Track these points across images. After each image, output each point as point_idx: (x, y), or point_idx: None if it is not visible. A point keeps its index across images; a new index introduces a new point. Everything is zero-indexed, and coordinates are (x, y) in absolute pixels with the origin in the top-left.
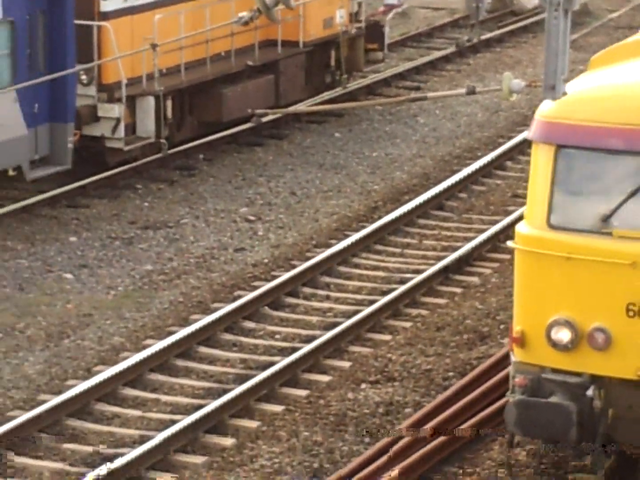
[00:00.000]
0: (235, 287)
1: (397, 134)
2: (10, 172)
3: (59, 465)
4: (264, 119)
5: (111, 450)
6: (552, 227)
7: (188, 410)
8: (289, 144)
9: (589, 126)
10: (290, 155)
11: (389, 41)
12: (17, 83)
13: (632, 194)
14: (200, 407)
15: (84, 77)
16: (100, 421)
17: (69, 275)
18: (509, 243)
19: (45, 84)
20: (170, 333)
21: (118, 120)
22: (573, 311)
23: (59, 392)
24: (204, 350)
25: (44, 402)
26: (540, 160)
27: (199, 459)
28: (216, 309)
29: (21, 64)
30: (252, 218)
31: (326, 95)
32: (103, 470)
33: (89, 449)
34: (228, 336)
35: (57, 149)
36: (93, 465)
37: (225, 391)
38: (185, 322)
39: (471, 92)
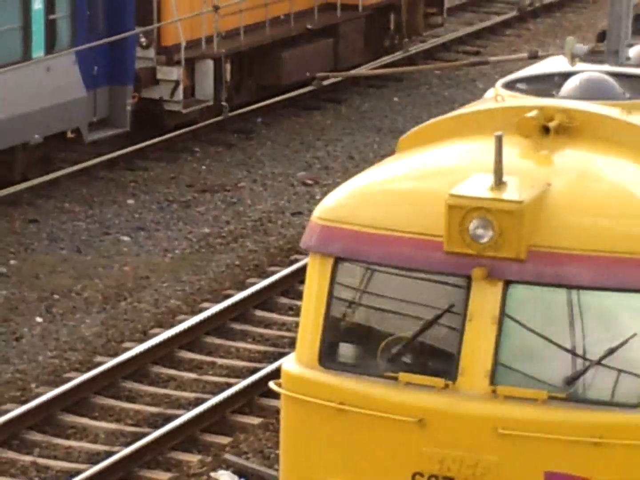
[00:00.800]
0: (292, 251)
1: (455, 98)
2: (69, 134)
3: (114, 426)
4: (324, 83)
5: (168, 411)
6: (324, 366)
7: (244, 373)
8: (347, 108)
9: (375, 234)
10: (348, 120)
11: (448, 5)
12: (76, 45)
13: (426, 328)
14: (256, 370)
15: (143, 39)
16: (156, 384)
17: (126, 238)
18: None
19: (105, 47)
20: (227, 296)
21: (177, 83)
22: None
23: (115, 355)
24: (260, 313)
25: (100, 364)
26: (315, 276)
27: (255, 420)
28: (273, 273)
29: (81, 26)
30: (309, 182)
31: (386, 59)
32: None
33: (145, 409)
34: (284, 300)
35: (115, 112)
36: (150, 426)
37: (282, 355)
38: (242, 286)
39: (533, 56)
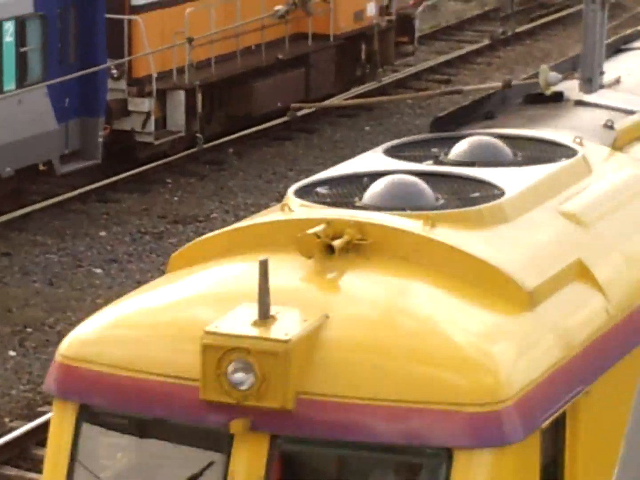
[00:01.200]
0: None
1: (427, 127)
2: (41, 167)
3: None
4: (298, 113)
5: None
6: None
7: None
8: (319, 138)
9: (123, 377)
10: (320, 149)
11: (419, 34)
12: (48, 78)
13: None
14: None
15: (114, 71)
16: None
17: (98, 270)
18: None
19: (76, 79)
20: None
21: (148, 114)
22: None
23: None
24: None
25: None
26: (57, 426)
27: None
28: None
29: (52, 59)
30: None
31: (360, 89)
32: None
33: None
34: None
35: (87, 144)
36: None
37: None
38: None
39: (507, 85)
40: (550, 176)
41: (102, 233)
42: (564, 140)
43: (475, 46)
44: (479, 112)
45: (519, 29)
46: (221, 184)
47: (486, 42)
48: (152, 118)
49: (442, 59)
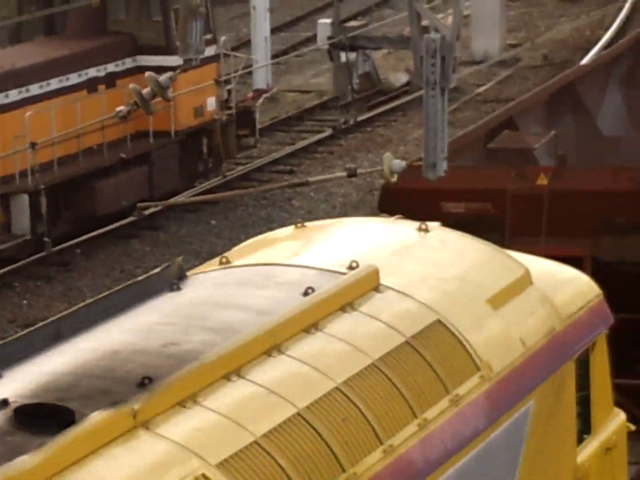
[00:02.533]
0: None
1: (273, 218)
2: None
3: None
4: (145, 212)
5: None
6: None
7: None
8: (165, 234)
9: None
10: (167, 245)
11: (260, 126)
12: None
13: None
14: None
15: None
16: None
17: None
18: None
19: None
20: None
21: None
22: None
23: None
24: None
25: None
26: None
27: None
28: None
29: None
30: None
31: (204, 185)
32: None
33: None
34: None
35: None
36: None
37: None
38: None
39: (352, 174)
40: None
41: None
42: None
43: (317, 136)
44: None
45: (361, 118)
46: (70, 285)
47: (328, 131)
48: None
49: (284, 150)
